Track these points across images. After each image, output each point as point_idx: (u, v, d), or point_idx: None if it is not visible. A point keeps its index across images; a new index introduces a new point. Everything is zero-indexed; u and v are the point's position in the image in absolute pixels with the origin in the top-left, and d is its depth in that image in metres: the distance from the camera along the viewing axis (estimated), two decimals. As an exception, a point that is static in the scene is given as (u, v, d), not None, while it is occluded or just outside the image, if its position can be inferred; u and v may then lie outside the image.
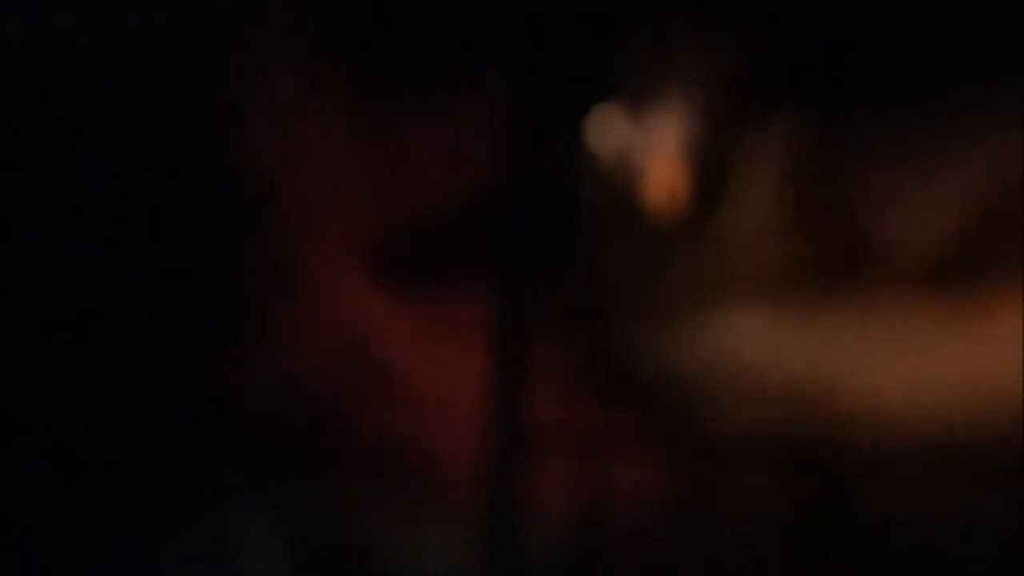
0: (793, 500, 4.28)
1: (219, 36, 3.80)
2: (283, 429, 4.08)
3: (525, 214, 3.46)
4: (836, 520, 4.39)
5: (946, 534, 4.51)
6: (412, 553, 3.59)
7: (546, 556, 2.96)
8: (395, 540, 3.96)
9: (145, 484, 3.80)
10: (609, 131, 4.46)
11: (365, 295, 4.80)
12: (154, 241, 3.85)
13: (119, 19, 3.90)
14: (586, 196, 3.85)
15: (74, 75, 3.86)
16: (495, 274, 4.08)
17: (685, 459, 3.75)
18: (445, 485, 4.39)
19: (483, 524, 2.71)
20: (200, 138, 3.79)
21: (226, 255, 4.28)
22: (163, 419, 3.81)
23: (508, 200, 3.86)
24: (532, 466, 3.00)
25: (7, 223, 3.53)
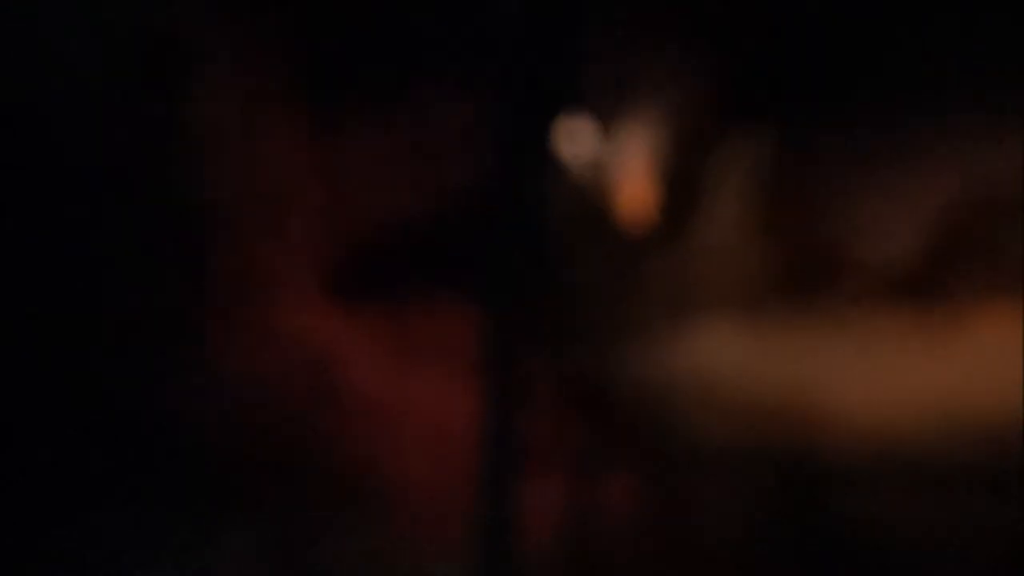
0: (768, 510, 4.18)
1: (165, 51, 3.59)
2: (239, 456, 3.84)
3: (494, 231, 3.31)
4: (811, 529, 4.26)
5: (920, 543, 4.43)
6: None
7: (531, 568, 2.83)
8: (361, 569, 3.73)
9: (97, 511, 3.55)
10: (581, 146, 4.32)
11: (327, 317, 4.59)
12: (96, 268, 3.61)
13: (63, 36, 3.64)
14: (559, 211, 3.72)
15: (13, 99, 3.58)
16: (464, 293, 3.90)
17: (662, 471, 3.60)
18: (413, 512, 4.17)
19: (469, 538, 2.60)
20: (138, 161, 3.56)
21: (176, 278, 4.04)
22: (106, 449, 3.56)
23: (475, 217, 3.70)
24: (515, 483, 2.89)
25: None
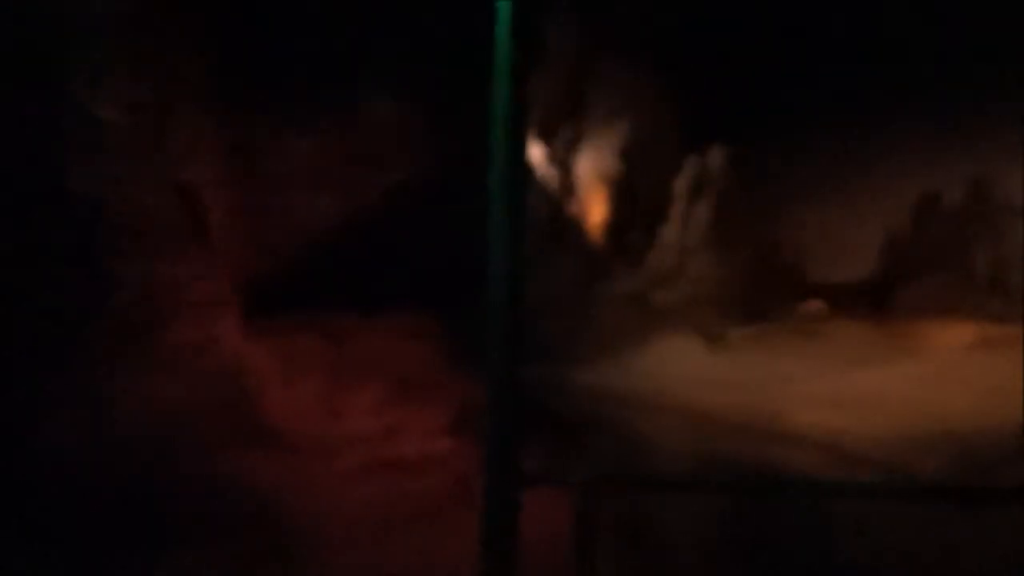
0: (733, 523, 4.13)
1: (58, 57, 3.20)
2: (131, 495, 3.41)
3: (435, 242, 3.09)
4: (775, 540, 4.19)
5: (880, 549, 4.36)
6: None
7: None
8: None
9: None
10: (545, 165, 4.22)
11: (243, 337, 4.18)
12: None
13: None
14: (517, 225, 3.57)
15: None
16: (404, 309, 3.70)
17: (624, 487, 3.56)
18: (320, 542, 3.82)
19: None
20: (22, 165, 3.14)
21: (75, 290, 3.58)
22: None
23: (414, 229, 3.45)
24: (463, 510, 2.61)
25: None
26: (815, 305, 21.74)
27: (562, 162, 27.53)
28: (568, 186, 27.89)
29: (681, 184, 25.16)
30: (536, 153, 24.50)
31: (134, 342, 3.51)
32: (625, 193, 28.76)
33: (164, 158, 3.96)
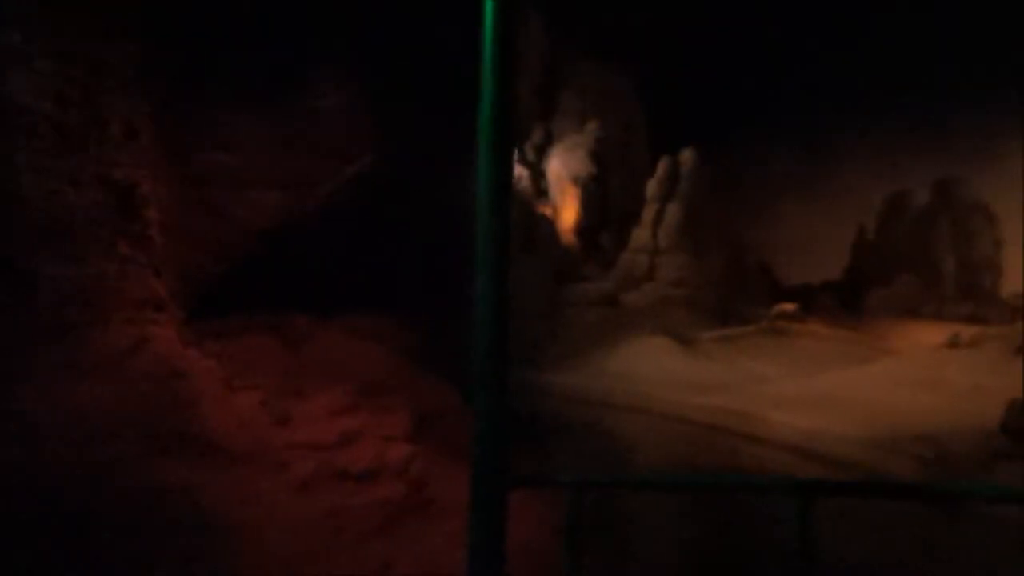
0: (705, 525, 4.19)
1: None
2: (56, 513, 3.17)
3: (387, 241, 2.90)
4: (747, 545, 4.22)
5: (859, 555, 4.30)
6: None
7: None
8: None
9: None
10: (516, 167, 4.10)
11: (179, 343, 3.95)
12: None
13: None
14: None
15: None
16: (358, 311, 3.52)
17: (611, 487, 3.47)
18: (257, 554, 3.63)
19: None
20: None
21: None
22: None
23: (370, 227, 3.25)
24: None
25: None
26: (787, 307, 21.87)
27: (533, 164, 27.45)
28: (539, 188, 27.79)
29: (652, 186, 25.18)
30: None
31: (58, 346, 3.23)
32: (596, 195, 28.77)
33: (95, 152, 3.70)
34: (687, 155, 23.08)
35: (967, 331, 14.75)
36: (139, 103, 4.08)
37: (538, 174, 26.28)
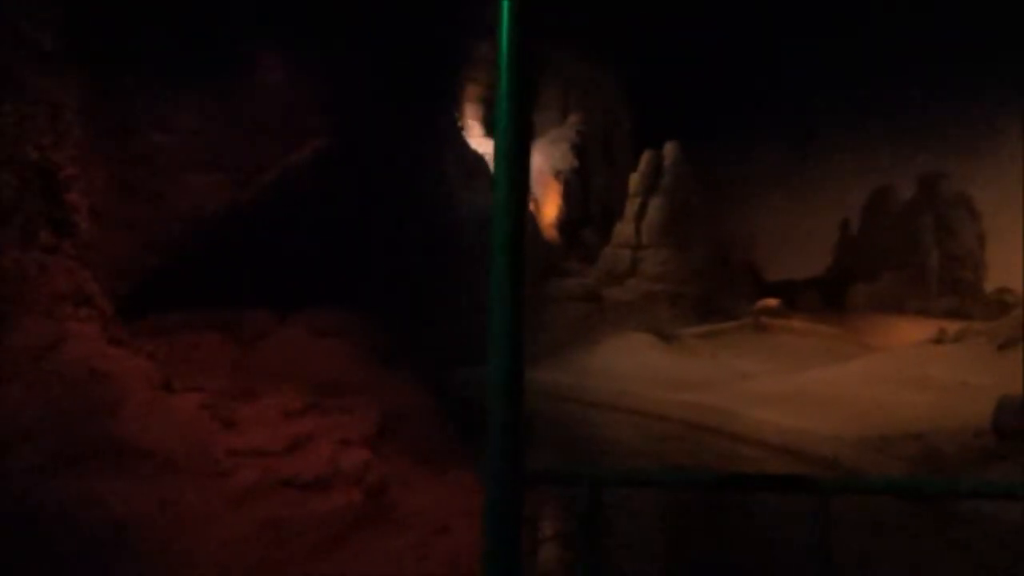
0: (690, 521, 4.20)
1: None
2: None
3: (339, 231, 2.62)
4: (732, 541, 4.36)
5: (843, 550, 4.13)
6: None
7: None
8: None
9: None
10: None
11: (111, 342, 3.59)
12: None
13: None
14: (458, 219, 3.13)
15: None
16: (314, 307, 3.20)
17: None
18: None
19: None
20: None
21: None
22: None
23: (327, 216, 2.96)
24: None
25: None
26: (771, 302, 21.77)
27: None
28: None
29: (635, 180, 24.95)
30: (489, 148, 23.99)
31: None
32: (578, 189, 28.56)
33: (12, 132, 3.32)
34: (670, 149, 22.85)
35: (952, 327, 14.65)
36: (64, 77, 3.70)
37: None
